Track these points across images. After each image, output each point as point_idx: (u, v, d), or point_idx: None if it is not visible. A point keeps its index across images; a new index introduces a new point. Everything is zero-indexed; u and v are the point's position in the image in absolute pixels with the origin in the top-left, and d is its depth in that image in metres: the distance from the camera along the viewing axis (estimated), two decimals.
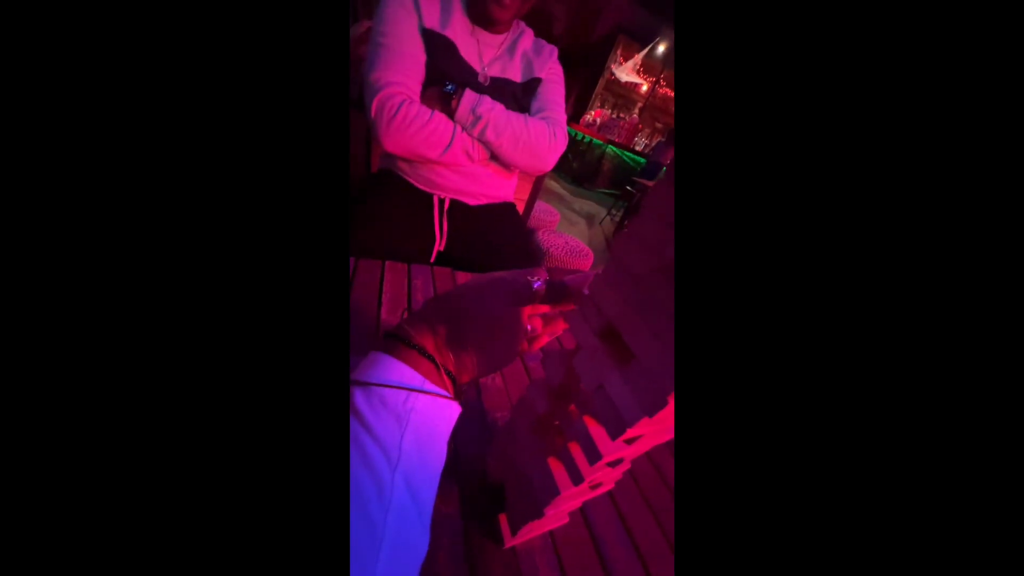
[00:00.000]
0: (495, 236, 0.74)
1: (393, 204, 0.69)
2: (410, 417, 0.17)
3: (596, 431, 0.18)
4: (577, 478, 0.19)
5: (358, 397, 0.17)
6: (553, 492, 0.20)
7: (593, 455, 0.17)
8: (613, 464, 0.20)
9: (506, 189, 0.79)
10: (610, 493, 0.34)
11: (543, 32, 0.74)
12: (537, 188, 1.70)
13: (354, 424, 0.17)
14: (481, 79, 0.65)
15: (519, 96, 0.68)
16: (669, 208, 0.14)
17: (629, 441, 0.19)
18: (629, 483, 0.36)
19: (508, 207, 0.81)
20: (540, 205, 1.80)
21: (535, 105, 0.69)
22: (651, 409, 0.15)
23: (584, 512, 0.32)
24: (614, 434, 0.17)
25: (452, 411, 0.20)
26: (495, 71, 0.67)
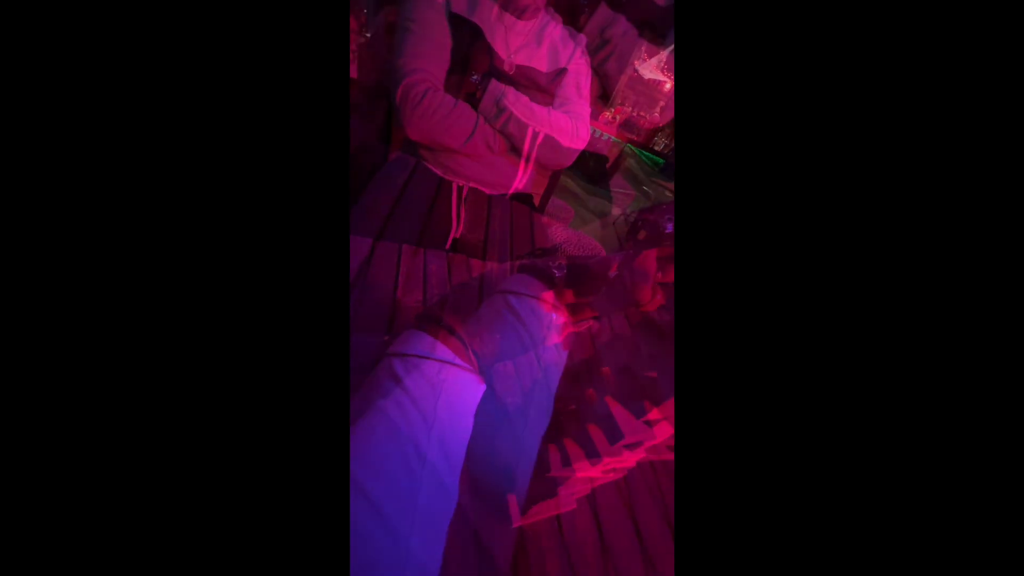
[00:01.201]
0: (510, 226, 0.73)
1: (412, 189, 0.70)
2: (443, 386, 0.19)
3: (618, 412, 0.18)
4: (595, 457, 0.19)
5: (397, 366, 0.19)
6: (568, 472, 0.20)
7: (615, 435, 0.17)
8: (632, 447, 0.20)
9: (524, 181, 0.79)
10: (617, 483, 0.34)
11: (568, 24, 0.73)
12: (553, 183, 1.69)
13: (395, 389, 0.18)
14: (507, 67, 0.65)
15: (544, 86, 0.67)
16: None
17: (650, 423, 0.18)
18: (638, 475, 0.36)
19: (525, 198, 0.81)
20: (554, 201, 1.79)
21: (559, 97, 0.68)
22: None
23: (591, 500, 0.32)
24: (639, 413, 0.17)
25: (478, 387, 0.21)
26: (521, 59, 0.66)
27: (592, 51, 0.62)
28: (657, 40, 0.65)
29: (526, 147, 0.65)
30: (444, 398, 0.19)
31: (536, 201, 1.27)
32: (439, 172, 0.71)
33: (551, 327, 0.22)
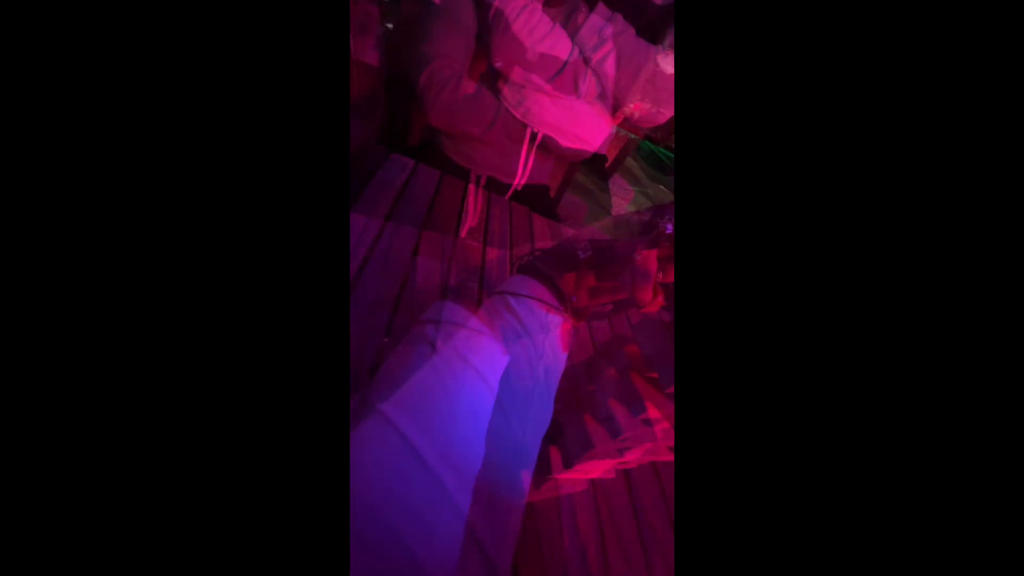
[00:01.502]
0: (528, 215, 0.74)
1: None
2: (550, 328, 0.21)
3: (642, 386, 0.18)
4: (615, 432, 0.20)
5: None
6: (587, 446, 0.21)
7: (637, 407, 0.18)
8: (649, 423, 0.21)
9: (541, 172, 0.79)
10: (627, 476, 0.35)
11: (567, 23, 0.72)
12: (568, 178, 1.67)
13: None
14: (531, 55, 0.64)
15: (567, 74, 0.67)
16: None
17: (649, 423, 0.19)
18: (650, 475, 0.37)
19: (542, 190, 0.81)
20: (568, 197, 1.78)
21: (583, 85, 0.67)
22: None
23: (594, 484, 0.32)
24: (667, 384, 0.17)
25: (571, 337, 0.23)
26: (546, 46, 0.66)
27: (590, 52, 0.60)
28: (656, 39, 0.64)
29: (524, 147, 0.64)
30: (550, 340, 0.21)
31: (552, 194, 1.26)
32: (458, 160, 0.72)
33: (550, 328, 0.22)
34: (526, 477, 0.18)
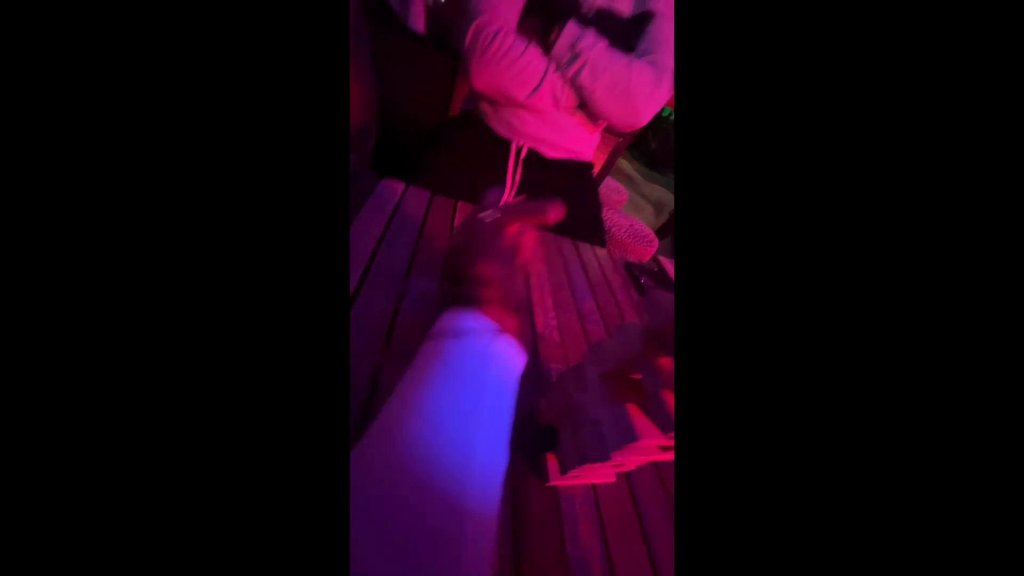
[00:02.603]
0: (565, 195, 0.69)
1: (470, 146, 0.68)
2: (495, 337, 0.18)
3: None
4: (667, 425, 0.17)
5: (447, 345, 0.18)
6: (630, 437, 0.18)
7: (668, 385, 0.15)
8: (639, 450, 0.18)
9: (587, 146, 0.73)
10: (660, 474, 0.32)
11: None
12: (611, 162, 1.58)
13: (442, 368, 0.17)
14: (585, 10, 0.58)
15: (627, 33, 0.60)
16: None
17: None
18: (652, 478, 0.34)
19: (584, 167, 0.76)
20: (609, 182, 1.68)
21: (642, 45, 0.60)
22: None
23: (629, 479, 0.30)
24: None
25: (523, 357, 0.20)
26: (601, 2, 0.59)
27: (564, 66, 0.55)
28: (628, 50, 0.59)
29: (598, 100, 0.58)
30: (493, 366, 0.18)
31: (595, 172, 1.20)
32: (499, 129, 0.68)
33: (495, 337, 0.19)
34: (493, 486, 0.15)
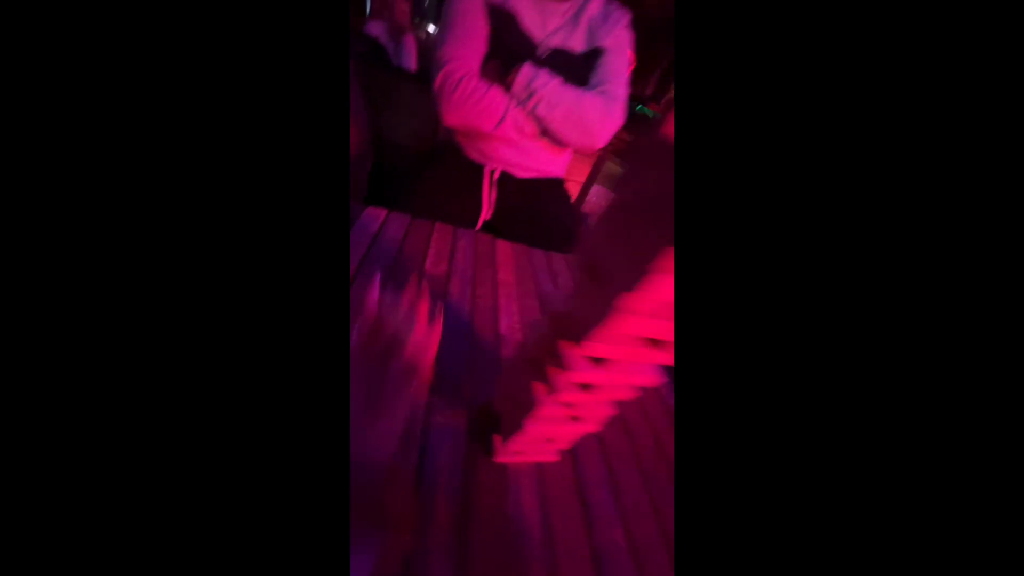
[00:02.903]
0: (540, 208, 0.76)
1: (447, 173, 0.75)
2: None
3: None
4: (551, 388, 0.22)
5: None
6: (531, 405, 0.23)
7: (563, 364, 0.20)
8: (586, 388, 0.22)
9: (556, 165, 0.80)
10: (603, 449, 0.36)
11: (633, 2, 0.73)
12: (596, 171, 1.64)
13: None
14: (540, 51, 0.66)
15: (579, 67, 0.67)
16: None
17: (597, 361, 0.21)
18: (625, 446, 0.38)
19: (555, 183, 0.82)
20: (597, 189, 1.74)
21: (594, 77, 0.67)
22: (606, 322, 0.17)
23: (574, 456, 0.34)
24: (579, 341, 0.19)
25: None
26: (557, 41, 0.67)
27: (522, 102, 0.64)
28: (582, 83, 0.69)
29: (556, 130, 0.66)
30: None
31: (575, 190, 1.25)
32: (473, 156, 0.76)
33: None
34: None
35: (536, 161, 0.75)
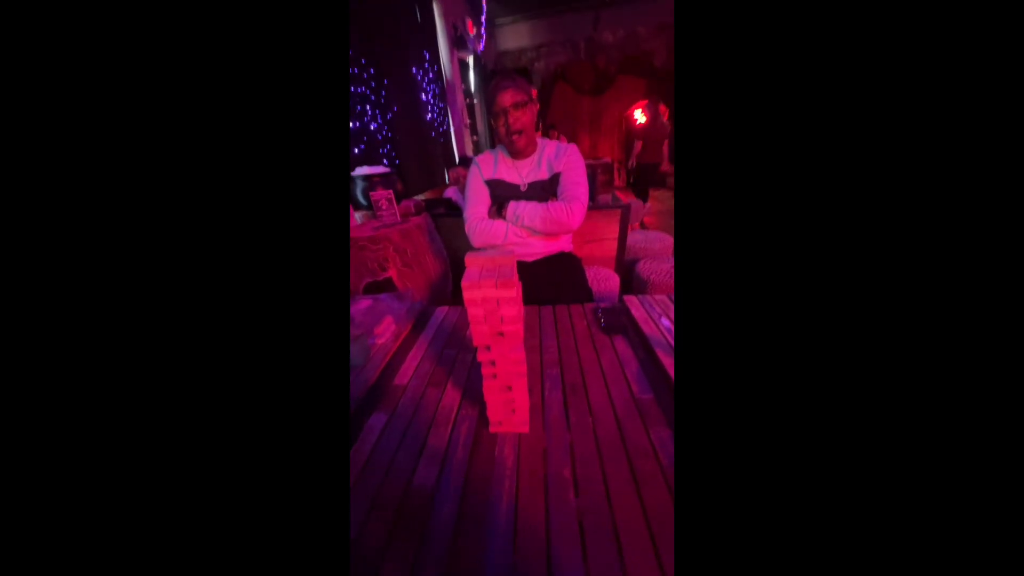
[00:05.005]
0: (551, 276, 1.07)
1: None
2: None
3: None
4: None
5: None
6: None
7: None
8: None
9: (557, 246, 1.13)
10: (570, 429, 0.55)
11: (645, 68, 1.09)
12: (624, 224, 1.82)
13: None
14: (522, 188, 1.07)
15: (548, 189, 1.06)
16: None
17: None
18: (613, 434, 0.56)
19: (562, 255, 1.13)
20: (638, 235, 1.88)
21: (560, 192, 1.05)
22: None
23: (546, 427, 0.55)
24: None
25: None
26: (530, 179, 1.07)
27: (513, 223, 1.05)
28: (552, 197, 1.09)
29: (540, 231, 1.04)
30: None
31: (613, 246, 1.51)
32: None
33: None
34: None
35: (539, 248, 1.11)
